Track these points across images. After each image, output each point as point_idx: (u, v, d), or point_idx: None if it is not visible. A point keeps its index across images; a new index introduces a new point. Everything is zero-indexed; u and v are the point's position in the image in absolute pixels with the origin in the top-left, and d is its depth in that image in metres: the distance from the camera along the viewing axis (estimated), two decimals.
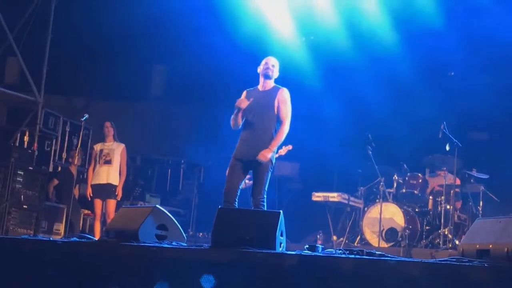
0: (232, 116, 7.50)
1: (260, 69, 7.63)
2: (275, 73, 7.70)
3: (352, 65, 12.59)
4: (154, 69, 15.35)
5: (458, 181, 10.94)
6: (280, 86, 7.67)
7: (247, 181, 8.09)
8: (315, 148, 12.67)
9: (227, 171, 7.49)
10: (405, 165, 11.71)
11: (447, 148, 10.33)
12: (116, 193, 10.67)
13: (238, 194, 7.36)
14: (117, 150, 10.79)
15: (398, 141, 12.24)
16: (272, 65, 7.62)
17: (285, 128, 7.44)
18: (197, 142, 13.89)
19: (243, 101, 7.44)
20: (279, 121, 7.50)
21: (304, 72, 12.71)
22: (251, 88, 7.74)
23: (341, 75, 12.87)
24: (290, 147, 9.82)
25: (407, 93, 12.67)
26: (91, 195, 10.78)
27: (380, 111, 12.74)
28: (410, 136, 12.22)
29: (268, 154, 7.24)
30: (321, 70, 12.89)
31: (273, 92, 7.56)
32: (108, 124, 10.86)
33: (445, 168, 11.32)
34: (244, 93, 7.71)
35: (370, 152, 11.30)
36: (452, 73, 12.74)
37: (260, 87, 7.66)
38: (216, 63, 12.93)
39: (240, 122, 7.52)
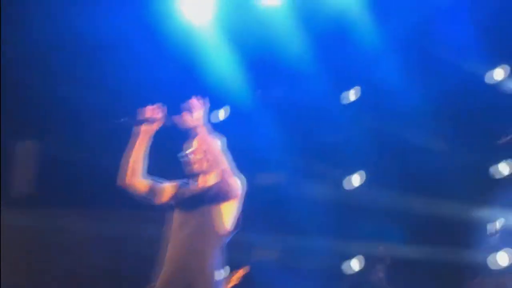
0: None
1: None
2: (216, 162, 5.00)
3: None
4: None
5: None
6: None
7: None
8: None
9: None
10: None
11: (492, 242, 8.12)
12: None
13: None
14: None
15: None
16: (200, 153, 5.08)
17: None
18: None
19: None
20: (229, 233, 5.05)
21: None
22: (185, 181, 5.24)
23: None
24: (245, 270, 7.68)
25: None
26: None
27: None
28: None
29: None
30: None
31: (219, 189, 5.05)
32: None
33: None
34: (175, 186, 5.20)
35: (382, 274, 8.72)
36: None
37: (199, 183, 5.20)
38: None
39: (140, 167, 5.03)
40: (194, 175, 5.18)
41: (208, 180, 5.11)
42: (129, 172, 5.03)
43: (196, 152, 5.11)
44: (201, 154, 5.08)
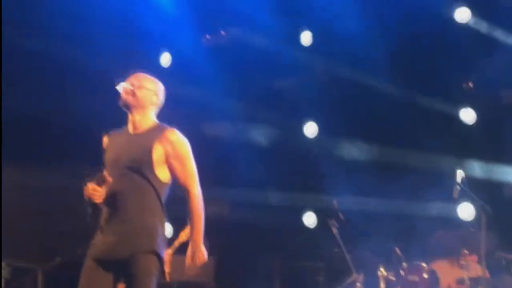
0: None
1: None
2: (144, 99, 4.91)
3: None
4: None
5: (487, 273, 7.53)
6: (164, 126, 4.93)
7: None
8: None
9: (80, 281, 4.86)
10: (397, 250, 8.08)
11: (455, 195, 7.04)
12: None
13: None
14: None
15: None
16: (131, 86, 4.89)
17: (197, 198, 4.76)
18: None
19: (94, 189, 4.68)
20: (166, 185, 4.85)
21: None
22: (117, 130, 5.07)
23: None
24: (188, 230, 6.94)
25: None
26: None
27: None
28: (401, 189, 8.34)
29: (202, 254, 4.78)
30: None
31: (150, 136, 4.85)
32: None
33: (466, 251, 7.71)
34: (105, 140, 5.09)
35: (336, 230, 7.88)
36: None
37: (130, 127, 4.96)
38: None
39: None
40: (125, 108, 4.99)
41: (140, 123, 4.92)
42: None
43: (126, 84, 4.95)
44: (130, 85, 4.92)
